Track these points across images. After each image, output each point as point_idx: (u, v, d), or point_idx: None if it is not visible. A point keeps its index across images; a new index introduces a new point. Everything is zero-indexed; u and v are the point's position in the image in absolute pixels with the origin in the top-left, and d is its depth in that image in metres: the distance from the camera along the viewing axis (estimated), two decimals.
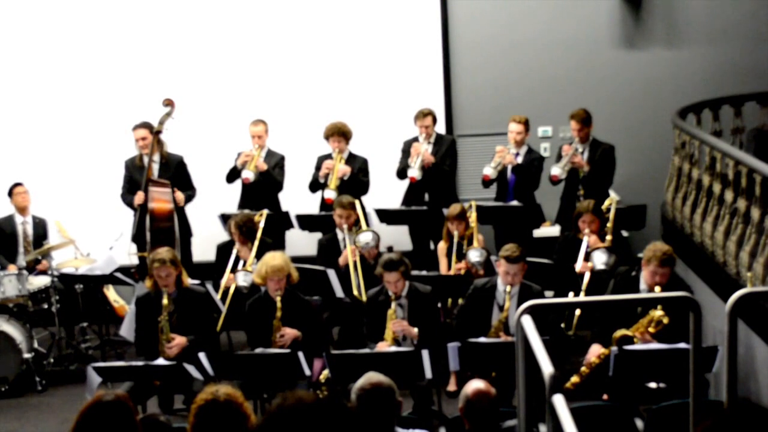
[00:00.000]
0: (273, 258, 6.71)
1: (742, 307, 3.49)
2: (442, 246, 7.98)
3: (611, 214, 7.76)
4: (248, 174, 8.56)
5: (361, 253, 7.68)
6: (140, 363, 6.49)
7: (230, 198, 8.87)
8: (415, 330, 6.66)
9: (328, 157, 8.69)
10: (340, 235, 7.92)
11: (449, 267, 7.82)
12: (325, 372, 6.42)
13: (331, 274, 7.32)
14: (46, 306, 8.30)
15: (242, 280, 7.43)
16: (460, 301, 7.26)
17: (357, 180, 8.64)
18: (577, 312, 7.25)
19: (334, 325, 7.98)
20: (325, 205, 8.52)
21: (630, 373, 6.03)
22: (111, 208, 8.99)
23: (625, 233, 8.36)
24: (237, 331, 7.86)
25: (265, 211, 8.07)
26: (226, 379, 6.05)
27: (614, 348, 6.05)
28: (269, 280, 6.65)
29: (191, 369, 6.16)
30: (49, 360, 8.22)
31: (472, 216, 7.98)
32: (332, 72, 9.71)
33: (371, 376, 4.48)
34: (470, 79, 9.81)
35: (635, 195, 9.06)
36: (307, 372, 6.22)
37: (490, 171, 8.48)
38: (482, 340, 6.49)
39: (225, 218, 8.19)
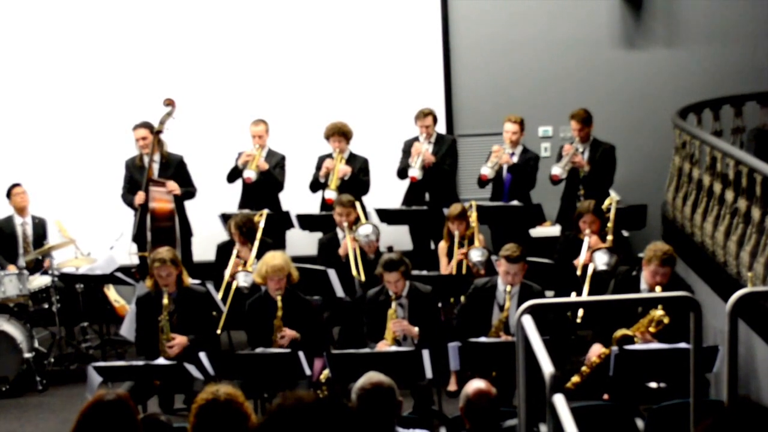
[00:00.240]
0: (273, 258, 6.71)
1: (742, 307, 3.49)
2: (442, 246, 7.98)
3: (612, 214, 7.75)
4: (250, 173, 8.56)
5: (361, 247, 7.68)
6: (141, 363, 6.49)
7: (231, 198, 8.87)
8: (416, 330, 6.66)
9: (329, 156, 8.69)
10: (340, 235, 7.92)
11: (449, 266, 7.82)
12: (326, 372, 6.42)
13: (332, 273, 7.32)
14: (46, 306, 8.30)
15: (242, 280, 7.42)
16: (462, 299, 7.26)
17: (357, 180, 8.64)
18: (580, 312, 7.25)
19: (335, 324, 7.97)
20: (326, 205, 8.53)
21: (630, 372, 6.03)
22: (111, 208, 8.99)
23: (625, 233, 8.36)
24: (237, 331, 7.85)
25: (265, 211, 8.07)
26: (226, 379, 6.04)
27: (615, 348, 6.05)
28: (269, 280, 6.65)
29: (192, 369, 6.16)
30: (49, 360, 8.22)
31: (473, 216, 7.98)
32: (332, 72, 9.71)
33: (371, 376, 4.48)
34: (470, 79, 9.81)
35: (636, 195, 9.05)
36: (308, 372, 6.22)
37: (487, 171, 8.49)
38: (483, 339, 6.49)
39: (225, 218, 8.19)
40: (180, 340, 6.75)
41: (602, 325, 6.62)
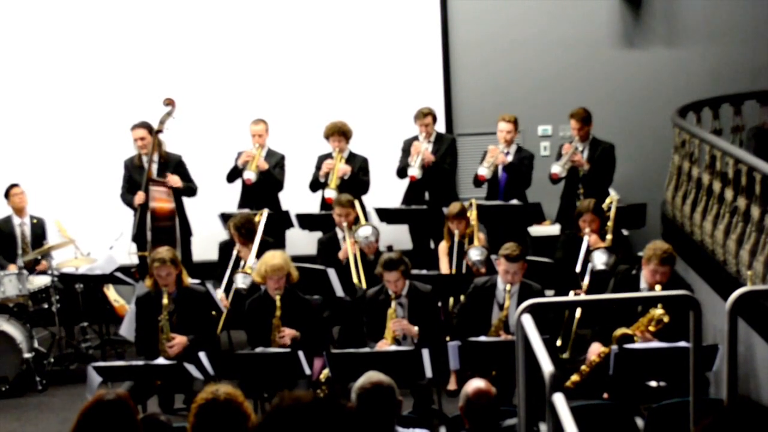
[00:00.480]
0: (273, 257, 6.70)
1: (742, 306, 3.50)
2: (443, 246, 7.97)
3: (611, 213, 7.76)
4: (250, 175, 8.56)
5: (360, 248, 7.68)
6: (140, 362, 6.49)
7: (230, 197, 8.87)
8: (416, 329, 6.66)
9: (329, 156, 8.69)
10: (339, 234, 7.92)
11: (450, 266, 7.82)
12: (326, 371, 6.42)
13: (331, 273, 7.32)
14: (46, 306, 8.29)
15: (241, 282, 7.41)
16: (462, 298, 7.26)
17: (357, 179, 8.64)
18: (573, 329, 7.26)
19: (335, 324, 7.97)
20: (325, 204, 8.52)
21: (630, 371, 6.03)
22: (111, 208, 8.99)
23: (625, 232, 8.36)
24: (237, 331, 7.85)
25: (265, 211, 8.06)
26: (226, 379, 6.04)
27: (614, 347, 6.05)
28: (269, 279, 6.65)
29: (191, 368, 6.16)
30: (49, 360, 8.22)
31: (473, 214, 7.98)
32: (332, 71, 9.70)
33: (371, 375, 4.48)
34: (470, 79, 9.81)
35: (635, 194, 9.06)
36: (308, 371, 6.21)
37: (485, 171, 8.50)
38: (482, 339, 6.49)
39: (225, 218, 8.19)
40: (180, 339, 6.75)
41: (602, 324, 6.63)
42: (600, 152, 8.54)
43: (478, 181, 8.62)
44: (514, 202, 8.43)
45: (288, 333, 6.65)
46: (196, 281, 7.20)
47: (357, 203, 7.97)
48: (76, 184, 9.56)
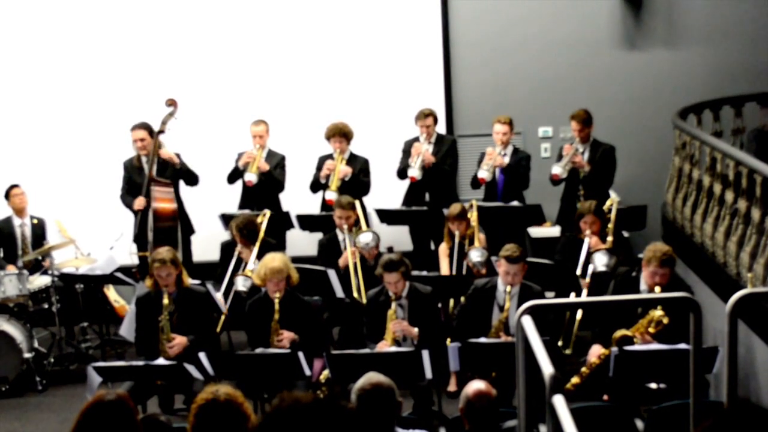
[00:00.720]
0: (272, 260, 6.70)
1: (742, 308, 3.50)
2: (443, 247, 7.97)
3: (612, 215, 7.76)
4: (251, 177, 8.55)
5: (361, 253, 7.68)
6: (140, 363, 6.49)
7: (231, 198, 8.87)
8: (416, 330, 6.66)
9: (329, 157, 8.68)
10: (340, 236, 7.92)
11: (450, 268, 7.82)
12: (325, 372, 6.42)
13: (332, 274, 7.32)
14: (46, 306, 8.30)
15: (241, 284, 7.41)
16: (462, 299, 7.26)
17: (358, 180, 8.64)
18: (575, 328, 7.26)
19: (335, 325, 7.97)
20: (326, 205, 8.52)
21: (630, 373, 6.02)
22: (111, 208, 8.98)
23: (625, 234, 8.36)
24: (237, 331, 7.85)
25: (268, 212, 8.05)
26: (226, 379, 6.04)
27: (614, 348, 6.05)
28: (268, 282, 6.65)
29: (191, 369, 6.16)
30: (49, 360, 8.22)
31: (473, 215, 7.98)
32: (333, 72, 9.71)
33: (371, 377, 4.48)
34: (471, 79, 9.81)
35: (636, 195, 9.06)
36: (308, 372, 6.21)
37: (485, 174, 8.51)
38: (482, 340, 6.49)
39: (226, 219, 8.19)
40: (180, 340, 6.75)
41: (602, 325, 6.62)
42: (600, 154, 8.54)
43: (476, 183, 8.62)
44: (515, 203, 8.43)
45: (286, 336, 6.65)
46: (197, 282, 7.21)
47: (358, 205, 7.96)
48: (77, 185, 9.56)
